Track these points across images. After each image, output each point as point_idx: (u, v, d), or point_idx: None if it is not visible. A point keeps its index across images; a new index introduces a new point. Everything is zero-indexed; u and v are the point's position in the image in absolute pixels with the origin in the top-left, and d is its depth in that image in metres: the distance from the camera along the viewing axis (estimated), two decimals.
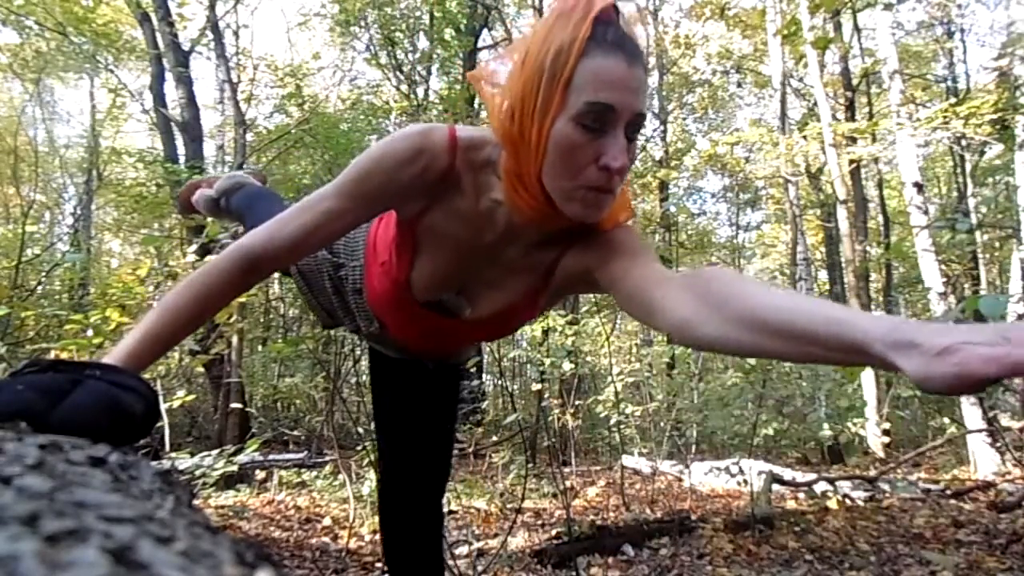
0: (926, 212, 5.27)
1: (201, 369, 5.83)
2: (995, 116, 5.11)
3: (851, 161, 7.29)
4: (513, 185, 0.76)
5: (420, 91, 10.49)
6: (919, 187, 5.26)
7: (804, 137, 7.33)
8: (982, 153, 9.37)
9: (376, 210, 0.88)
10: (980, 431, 4.38)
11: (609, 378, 4.59)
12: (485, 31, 10.50)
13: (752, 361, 4.79)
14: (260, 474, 4.31)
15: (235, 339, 4.94)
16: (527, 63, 0.71)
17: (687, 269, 0.76)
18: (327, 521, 3.43)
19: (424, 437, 1.30)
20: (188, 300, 0.76)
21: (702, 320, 0.63)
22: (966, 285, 9.99)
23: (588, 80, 0.68)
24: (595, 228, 0.82)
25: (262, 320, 8.82)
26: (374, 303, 1.03)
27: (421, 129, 0.80)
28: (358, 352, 4.28)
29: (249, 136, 8.14)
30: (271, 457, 4.67)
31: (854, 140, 7.18)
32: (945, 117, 5.28)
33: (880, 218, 11.19)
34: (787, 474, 4.28)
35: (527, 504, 3.72)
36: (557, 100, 0.69)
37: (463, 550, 2.80)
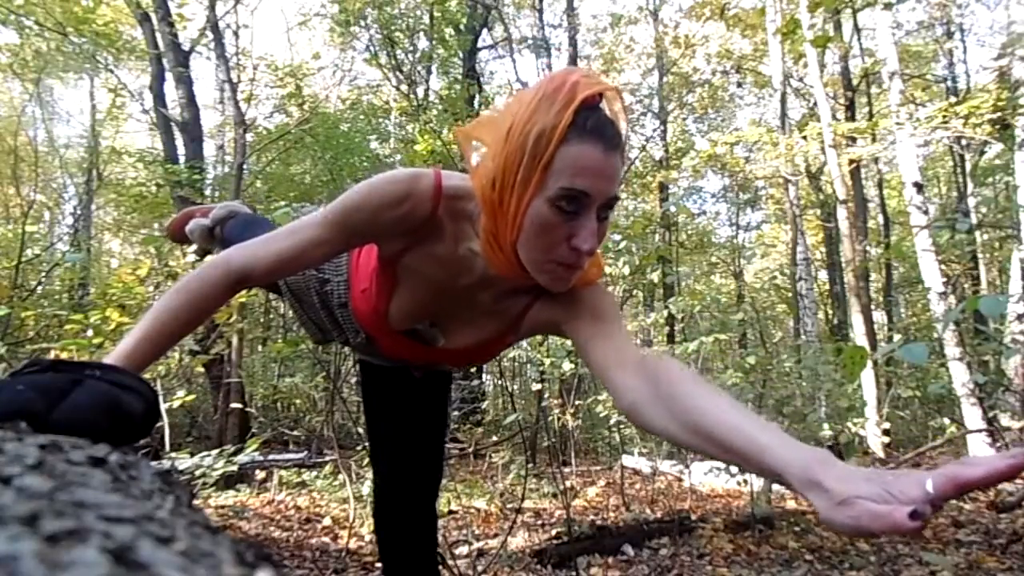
0: (926, 212, 5.27)
1: (201, 369, 5.83)
2: (995, 116, 5.10)
3: (851, 161, 7.28)
4: (490, 243, 0.80)
5: (420, 91, 10.48)
6: (919, 187, 5.26)
7: (804, 137, 7.32)
8: (982, 153, 9.37)
9: (356, 243, 0.93)
10: (980, 431, 4.38)
11: None
12: (485, 31, 10.49)
13: (752, 360, 4.79)
14: (260, 474, 4.31)
15: (235, 339, 4.93)
16: (510, 136, 0.73)
17: (645, 353, 0.79)
18: (327, 521, 3.43)
19: (415, 442, 1.32)
20: (179, 304, 0.79)
21: (648, 409, 0.72)
22: (966, 285, 9.99)
23: (566, 166, 0.71)
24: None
25: (262, 320, 8.80)
26: (358, 319, 1.07)
27: (409, 175, 0.83)
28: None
29: (249, 136, 8.13)
30: (271, 457, 4.67)
31: (854, 140, 7.17)
32: (945, 117, 5.27)
33: (880, 218, 11.20)
34: None
35: (527, 504, 3.72)
36: (536, 180, 0.72)
37: (463, 550, 2.80)
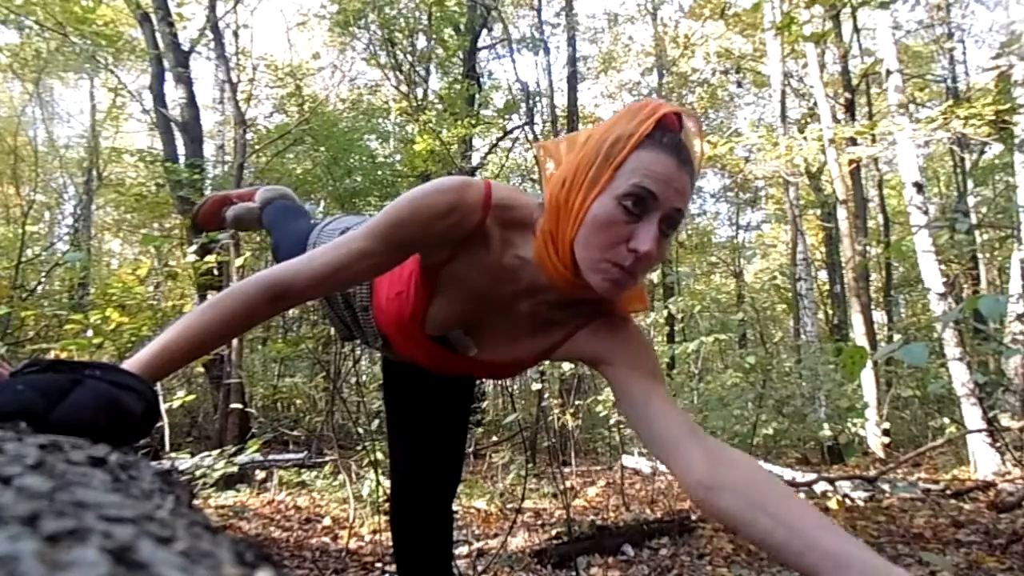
0: (926, 212, 5.26)
1: (201, 369, 5.83)
2: (995, 116, 5.10)
3: (851, 161, 7.29)
4: (546, 244, 0.80)
5: (419, 91, 10.48)
6: (919, 187, 5.26)
7: (804, 139, 7.33)
8: (982, 153, 9.37)
9: (404, 256, 0.90)
10: (980, 431, 4.38)
11: None
12: (484, 31, 10.48)
13: (752, 360, 4.79)
14: (260, 474, 4.30)
15: (235, 339, 4.93)
16: (588, 143, 0.77)
17: (689, 420, 0.80)
18: (327, 521, 3.43)
19: (435, 444, 1.30)
20: (210, 321, 0.76)
21: (728, 499, 0.72)
22: (966, 285, 10.00)
23: (638, 167, 0.74)
24: (610, 310, 0.89)
25: None
26: (381, 323, 1.06)
27: (458, 185, 0.84)
28: (358, 352, 4.29)
29: (249, 136, 8.13)
30: (271, 457, 4.67)
31: (854, 140, 7.18)
32: (945, 117, 5.27)
33: (880, 218, 11.20)
34: (787, 474, 4.28)
35: (527, 504, 3.72)
36: (606, 178, 0.75)
37: (463, 550, 2.80)
